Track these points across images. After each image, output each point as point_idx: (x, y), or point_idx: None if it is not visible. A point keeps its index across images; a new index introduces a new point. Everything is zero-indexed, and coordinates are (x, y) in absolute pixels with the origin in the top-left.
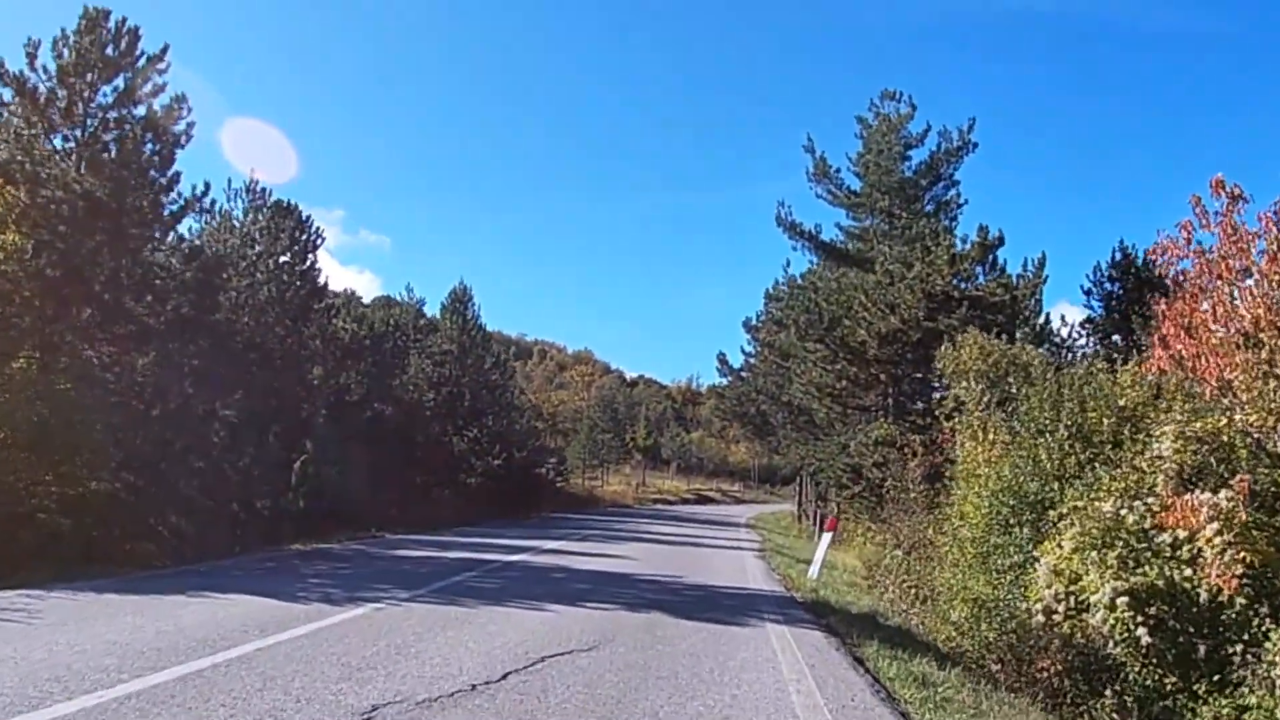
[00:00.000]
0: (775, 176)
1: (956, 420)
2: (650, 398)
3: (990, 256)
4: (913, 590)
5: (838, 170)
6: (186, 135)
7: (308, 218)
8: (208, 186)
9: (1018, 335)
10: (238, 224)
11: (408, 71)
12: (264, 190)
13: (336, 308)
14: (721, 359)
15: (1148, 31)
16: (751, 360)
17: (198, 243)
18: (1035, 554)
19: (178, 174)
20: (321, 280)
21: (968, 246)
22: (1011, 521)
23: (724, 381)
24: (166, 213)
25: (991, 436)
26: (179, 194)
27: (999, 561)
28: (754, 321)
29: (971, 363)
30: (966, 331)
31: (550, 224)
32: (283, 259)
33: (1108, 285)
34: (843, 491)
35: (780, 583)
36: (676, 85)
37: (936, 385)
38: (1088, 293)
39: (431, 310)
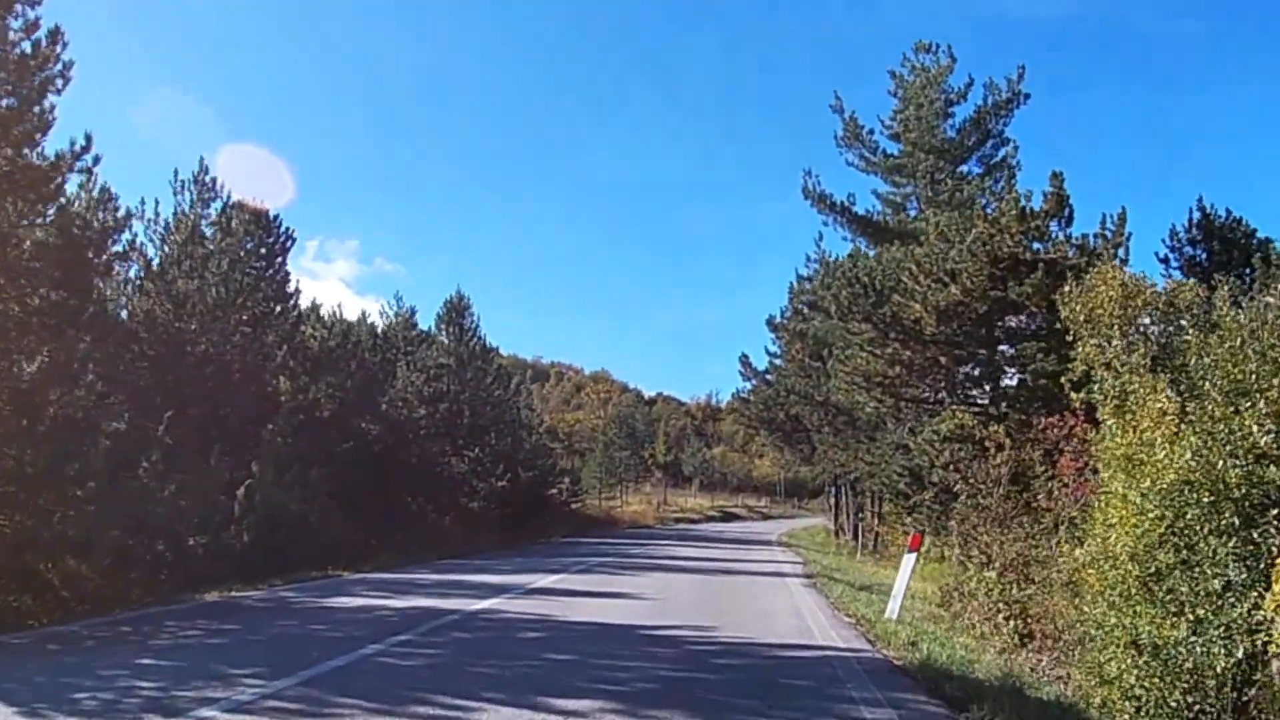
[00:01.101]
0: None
1: (1091, 392)
2: (669, 414)
3: (1066, 210)
4: (1011, 621)
5: (870, 132)
6: (63, 77)
7: (276, 218)
8: (89, 140)
9: None
10: (197, 222)
11: (425, 100)
12: (213, 180)
13: (306, 315)
14: (744, 361)
15: None
16: (777, 361)
17: (74, 209)
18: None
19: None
20: (291, 287)
21: (1039, 202)
22: (1200, 528)
23: (747, 386)
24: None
25: (1159, 406)
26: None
27: (1180, 588)
28: (779, 319)
29: (1111, 305)
30: (1044, 298)
31: (565, 248)
32: (239, 260)
33: (1190, 250)
34: (901, 500)
35: (854, 627)
36: (679, 103)
37: (1013, 365)
38: (1164, 260)
39: (427, 322)
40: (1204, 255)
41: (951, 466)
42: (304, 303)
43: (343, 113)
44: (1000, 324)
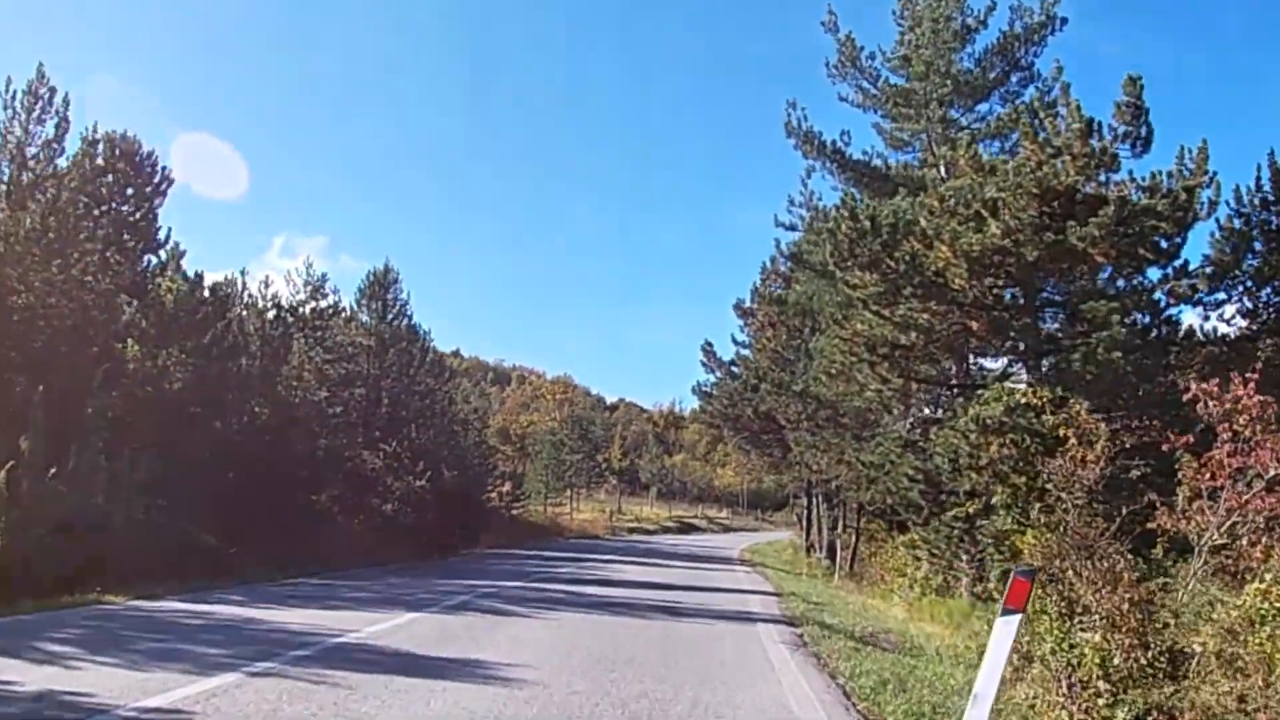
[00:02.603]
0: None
1: None
2: (629, 419)
3: (1143, 128)
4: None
5: (871, 57)
6: None
7: (150, 154)
8: None
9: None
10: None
11: (395, 96)
12: (64, 101)
13: (164, 264)
14: (707, 350)
15: None
16: (745, 353)
17: None
18: None
19: None
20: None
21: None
22: None
23: (710, 380)
24: None
25: None
26: None
27: None
28: (748, 302)
29: None
30: (1114, 245)
31: (537, 253)
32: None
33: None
34: (913, 514)
35: None
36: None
37: (1084, 332)
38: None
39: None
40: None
41: (995, 467)
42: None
43: (305, 108)
44: (1054, 277)
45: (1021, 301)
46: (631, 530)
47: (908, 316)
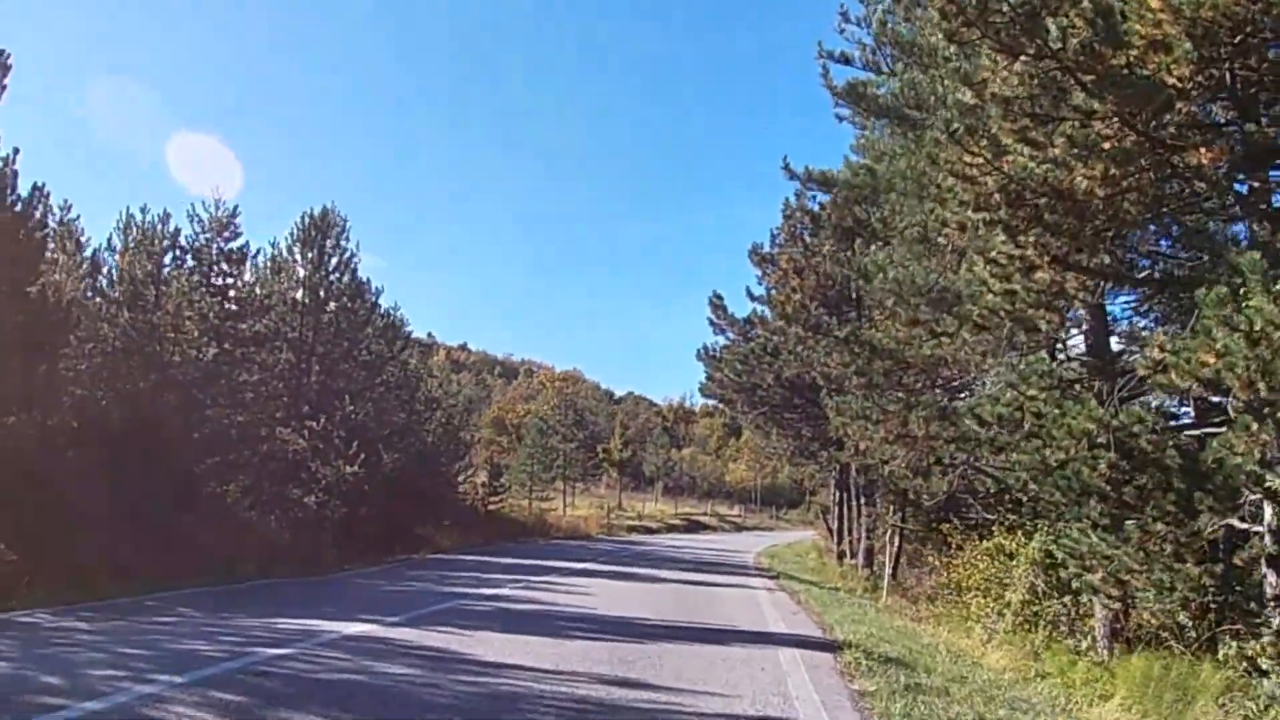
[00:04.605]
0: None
1: None
2: (636, 411)
3: None
4: None
5: None
6: None
7: None
8: None
9: None
10: None
11: (400, 96)
12: None
13: None
14: (716, 304)
15: None
16: (762, 311)
17: None
18: None
19: None
20: None
21: None
22: None
23: (720, 342)
24: None
25: None
26: None
27: None
28: (768, 248)
29: None
30: None
31: (550, 247)
32: None
33: None
34: (1105, 507)
35: None
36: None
37: None
38: None
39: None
40: None
41: None
42: None
43: (307, 108)
44: None
45: None
46: (631, 529)
47: (1077, 139)
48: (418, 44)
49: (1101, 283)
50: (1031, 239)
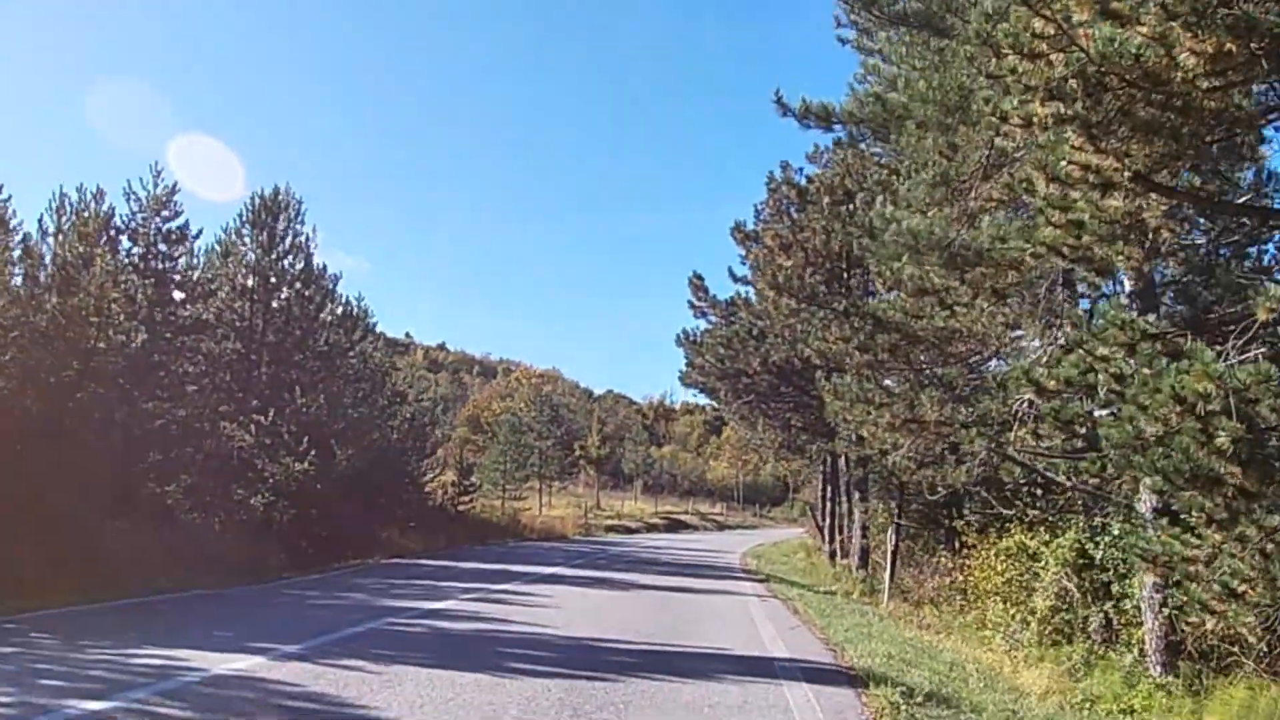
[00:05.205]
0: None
1: None
2: (616, 409)
3: None
4: None
5: None
6: None
7: None
8: None
9: None
10: None
11: (390, 87)
12: None
13: None
14: (697, 284)
15: None
16: (745, 293)
17: None
18: None
19: None
20: None
21: None
22: None
23: (701, 326)
24: None
25: None
26: None
27: None
28: (750, 225)
29: None
30: None
31: (530, 249)
32: None
33: None
34: (1207, 502)
35: None
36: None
37: None
38: None
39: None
40: None
41: None
42: None
43: (305, 108)
44: None
45: None
46: (610, 528)
47: (1176, 7)
48: (397, 41)
49: (1192, 210)
50: (1112, 146)
